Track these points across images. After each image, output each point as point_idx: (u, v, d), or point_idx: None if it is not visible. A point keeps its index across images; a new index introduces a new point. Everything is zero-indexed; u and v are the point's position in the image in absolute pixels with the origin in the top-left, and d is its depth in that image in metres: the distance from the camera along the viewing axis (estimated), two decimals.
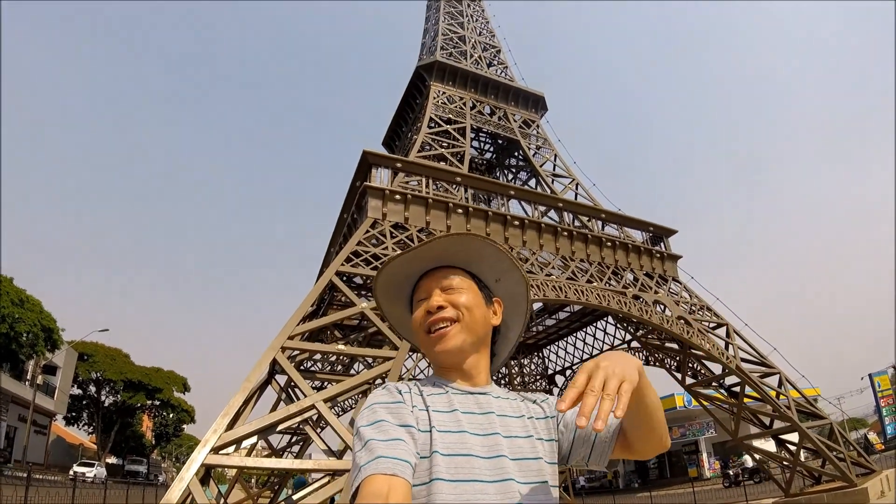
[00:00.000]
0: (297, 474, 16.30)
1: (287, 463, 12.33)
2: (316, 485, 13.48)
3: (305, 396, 13.74)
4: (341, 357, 27.23)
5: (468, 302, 1.39)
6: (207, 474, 14.18)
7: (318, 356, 28.97)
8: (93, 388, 46.61)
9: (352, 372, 27.19)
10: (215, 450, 11.84)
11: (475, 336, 1.39)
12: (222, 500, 12.56)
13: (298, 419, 14.94)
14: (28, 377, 33.56)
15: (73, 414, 46.90)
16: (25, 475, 16.73)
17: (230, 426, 12.57)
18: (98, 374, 45.56)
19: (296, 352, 16.50)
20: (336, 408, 26.94)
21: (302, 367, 27.67)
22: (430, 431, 1.22)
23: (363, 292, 22.53)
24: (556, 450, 1.39)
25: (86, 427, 48.91)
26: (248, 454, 20.36)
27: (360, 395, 19.61)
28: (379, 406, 1.22)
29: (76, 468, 34.04)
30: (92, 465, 35.04)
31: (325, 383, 21.30)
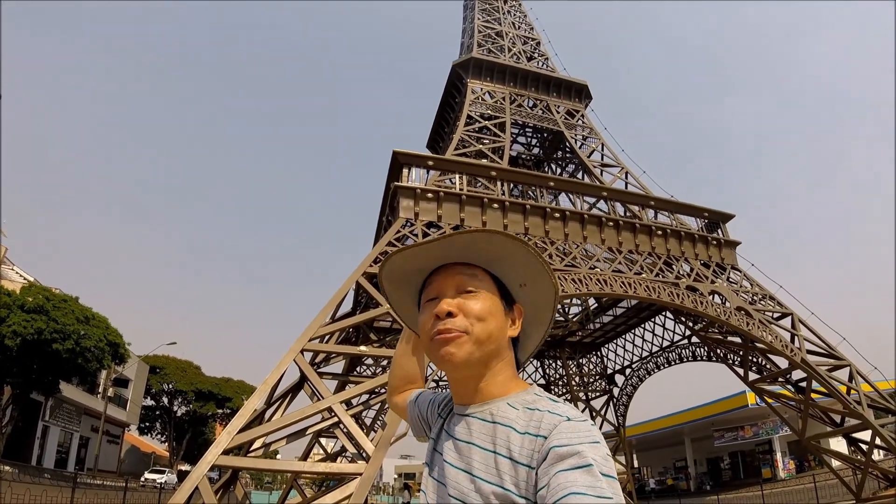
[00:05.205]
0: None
1: (297, 465, 12.22)
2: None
3: (323, 398, 13.61)
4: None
5: (483, 310, 1.16)
6: (234, 477, 14.26)
7: (369, 360, 29.11)
8: (165, 399, 48.86)
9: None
10: (228, 451, 11.79)
11: (484, 351, 1.15)
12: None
13: (326, 423, 14.88)
14: (100, 390, 35.31)
15: (147, 424, 49.45)
16: (74, 478, 17.28)
17: (245, 428, 12.54)
18: (169, 386, 47.74)
19: (319, 354, 16.43)
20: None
21: (355, 373, 27.94)
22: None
23: None
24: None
25: (159, 436, 51.36)
26: (304, 458, 20.53)
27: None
28: None
29: (147, 475, 35.63)
30: (163, 472, 36.59)
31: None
